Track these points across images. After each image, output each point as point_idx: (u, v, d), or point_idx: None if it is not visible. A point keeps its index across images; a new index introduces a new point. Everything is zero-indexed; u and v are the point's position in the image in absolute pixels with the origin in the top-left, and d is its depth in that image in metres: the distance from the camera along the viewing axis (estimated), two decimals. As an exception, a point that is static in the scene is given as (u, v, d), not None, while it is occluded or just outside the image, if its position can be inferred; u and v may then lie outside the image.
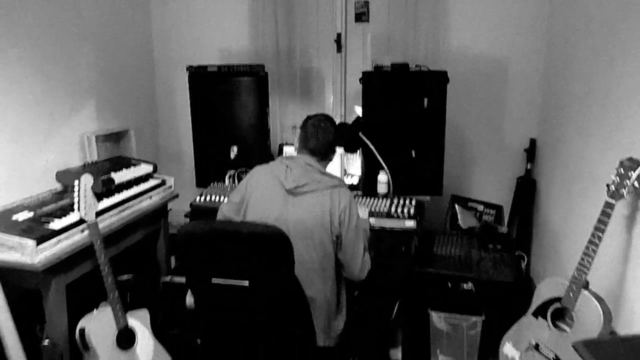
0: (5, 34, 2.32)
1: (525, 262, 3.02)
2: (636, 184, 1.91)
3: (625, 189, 1.92)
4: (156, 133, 3.71)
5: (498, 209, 3.18)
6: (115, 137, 3.16)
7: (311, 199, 1.91)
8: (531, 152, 3.23)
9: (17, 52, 2.39)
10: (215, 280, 1.72)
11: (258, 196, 1.98)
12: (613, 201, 1.94)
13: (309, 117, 2.14)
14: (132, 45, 3.41)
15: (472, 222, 2.92)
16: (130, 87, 3.38)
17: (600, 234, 1.96)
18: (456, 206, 3.07)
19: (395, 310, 2.84)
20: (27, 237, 1.83)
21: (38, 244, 1.83)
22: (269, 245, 1.66)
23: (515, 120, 3.28)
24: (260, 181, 2.01)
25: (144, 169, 2.72)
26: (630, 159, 1.93)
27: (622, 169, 1.94)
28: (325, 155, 2.07)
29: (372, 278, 2.74)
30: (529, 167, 3.25)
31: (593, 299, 1.96)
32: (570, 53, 2.67)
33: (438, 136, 2.74)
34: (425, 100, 2.69)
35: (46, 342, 1.77)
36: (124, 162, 2.74)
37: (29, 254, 1.81)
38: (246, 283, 1.69)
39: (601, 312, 1.92)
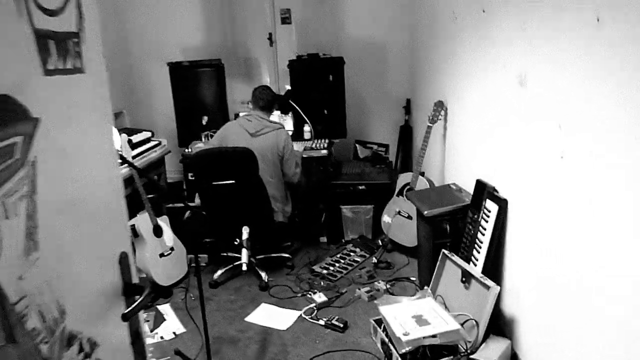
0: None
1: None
2: (442, 115, 3.47)
3: (437, 118, 3.46)
4: (138, 111, 4.92)
5: (386, 146, 4.71)
6: (114, 116, 4.40)
7: (265, 137, 3.33)
8: (407, 107, 4.77)
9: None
10: (214, 182, 3.10)
11: (231, 139, 3.36)
12: (431, 125, 3.48)
13: (255, 88, 3.55)
14: (114, 48, 4.60)
15: (367, 153, 4.44)
16: (119, 79, 4.60)
17: (425, 143, 3.50)
18: (357, 145, 4.58)
19: (323, 217, 4.33)
20: (100, 169, 3.12)
21: (108, 172, 3.12)
22: (244, 158, 3.06)
23: (395, 85, 4.77)
24: (232, 130, 3.40)
25: (147, 134, 4.01)
26: (440, 101, 3.47)
27: (435, 107, 3.48)
28: (269, 109, 3.48)
29: (305, 190, 4.17)
30: (407, 118, 4.79)
31: (424, 179, 3.53)
32: (422, 39, 4.22)
33: (340, 99, 4.19)
34: (330, 76, 4.13)
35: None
36: (132, 131, 4.00)
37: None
38: (232, 181, 3.08)
39: (428, 186, 3.49)
